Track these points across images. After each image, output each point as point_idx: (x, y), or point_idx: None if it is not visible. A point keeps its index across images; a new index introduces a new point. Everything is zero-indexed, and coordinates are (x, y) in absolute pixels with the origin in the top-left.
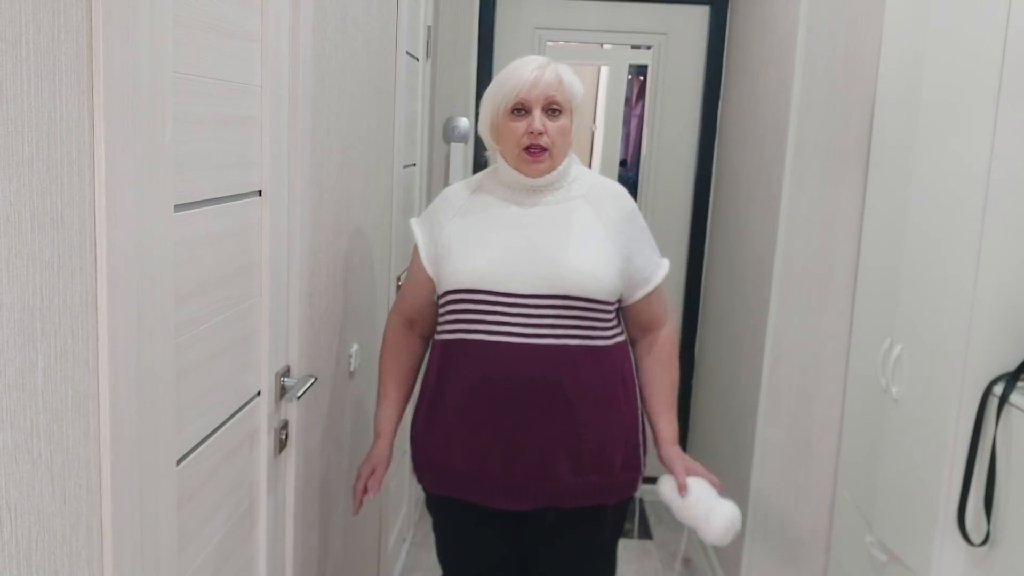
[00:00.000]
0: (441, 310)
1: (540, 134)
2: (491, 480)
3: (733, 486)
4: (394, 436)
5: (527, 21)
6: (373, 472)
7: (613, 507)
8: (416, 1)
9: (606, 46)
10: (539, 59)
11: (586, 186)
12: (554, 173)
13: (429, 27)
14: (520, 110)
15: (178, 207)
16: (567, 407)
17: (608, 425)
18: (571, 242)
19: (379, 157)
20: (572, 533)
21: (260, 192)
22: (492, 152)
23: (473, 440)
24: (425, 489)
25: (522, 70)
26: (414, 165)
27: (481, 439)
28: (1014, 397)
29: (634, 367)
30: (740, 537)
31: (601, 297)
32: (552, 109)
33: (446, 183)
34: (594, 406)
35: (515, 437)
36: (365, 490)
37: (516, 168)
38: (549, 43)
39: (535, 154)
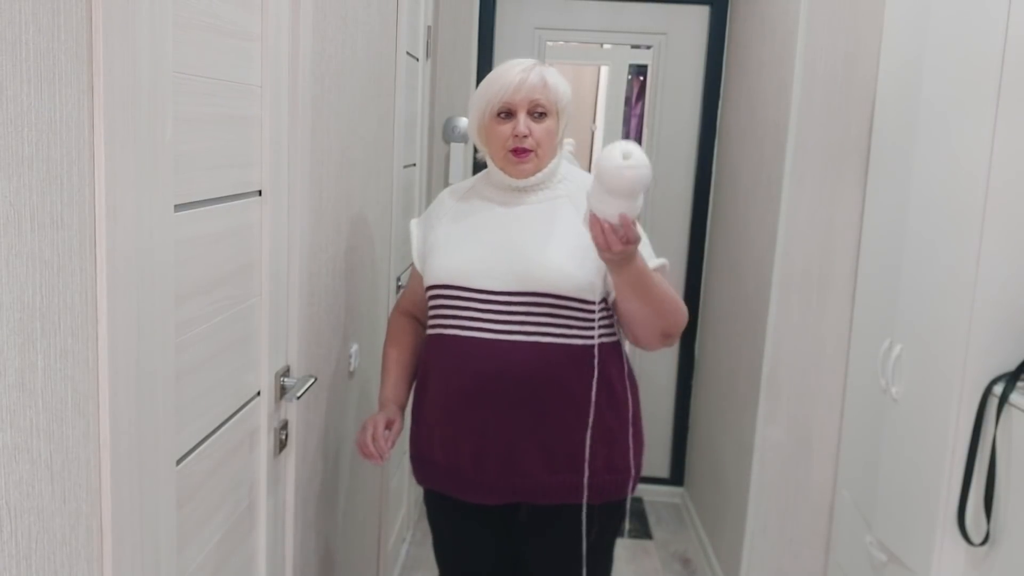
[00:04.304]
0: (427, 306)
1: (525, 137)
2: (463, 474)
3: (733, 486)
4: (402, 406)
5: (527, 21)
6: (389, 425)
7: (601, 507)
8: (416, 1)
9: (606, 46)
10: (524, 62)
11: (572, 186)
12: (540, 174)
13: (429, 27)
14: (505, 113)
15: (178, 207)
16: (537, 403)
17: (584, 425)
18: (547, 240)
19: (379, 157)
20: (554, 532)
21: (260, 192)
22: (483, 154)
23: (448, 433)
24: (417, 481)
25: (506, 74)
26: (414, 165)
27: (455, 432)
28: (1014, 397)
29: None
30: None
31: (576, 295)
32: (537, 112)
33: (446, 183)
34: (569, 404)
35: (485, 431)
36: (373, 449)
37: (503, 169)
38: (549, 43)
39: (520, 155)
